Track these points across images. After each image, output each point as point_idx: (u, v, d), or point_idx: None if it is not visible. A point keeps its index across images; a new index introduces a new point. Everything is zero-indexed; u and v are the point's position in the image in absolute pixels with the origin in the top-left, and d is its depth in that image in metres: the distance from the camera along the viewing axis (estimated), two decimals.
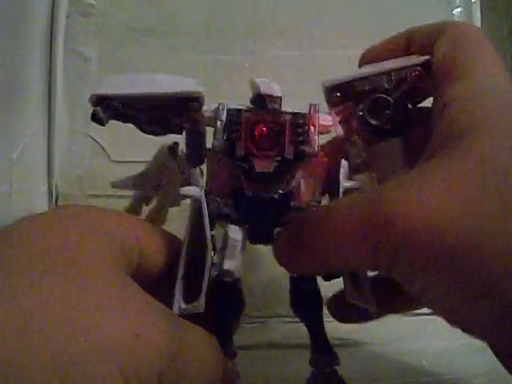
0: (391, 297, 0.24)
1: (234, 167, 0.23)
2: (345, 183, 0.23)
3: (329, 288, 0.25)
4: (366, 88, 0.23)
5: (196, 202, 0.22)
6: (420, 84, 0.22)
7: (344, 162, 0.23)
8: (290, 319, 0.37)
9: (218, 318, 0.23)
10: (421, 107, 0.24)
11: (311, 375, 0.24)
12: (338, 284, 0.23)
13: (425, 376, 0.27)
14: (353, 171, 0.23)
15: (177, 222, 0.27)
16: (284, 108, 0.23)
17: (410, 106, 0.23)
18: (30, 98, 0.37)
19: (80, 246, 0.18)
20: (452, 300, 0.18)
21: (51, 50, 0.39)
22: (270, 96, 0.22)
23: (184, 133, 0.23)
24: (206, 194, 0.23)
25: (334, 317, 0.26)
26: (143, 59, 0.40)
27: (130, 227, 0.22)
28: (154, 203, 0.29)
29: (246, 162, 0.22)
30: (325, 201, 0.25)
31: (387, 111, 0.23)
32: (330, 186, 0.24)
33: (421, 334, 0.35)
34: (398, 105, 0.23)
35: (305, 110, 0.23)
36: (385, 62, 0.24)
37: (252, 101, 0.23)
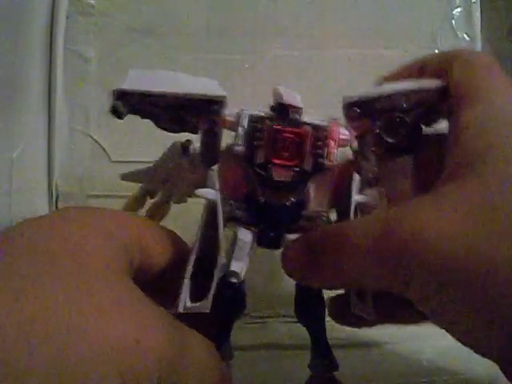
0: (391, 308, 0.24)
1: (251, 173, 0.23)
2: (356, 197, 0.23)
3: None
4: (385, 106, 0.23)
5: (211, 204, 0.22)
6: (436, 107, 0.23)
7: (356, 176, 0.24)
8: (290, 319, 0.37)
9: (219, 318, 0.23)
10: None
11: (309, 379, 0.25)
12: None
13: (425, 376, 0.27)
14: (364, 185, 0.24)
15: (177, 221, 0.27)
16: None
17: (423, 126, 0.24)
18: (30, 98, 0.37)
19: (82, 248, 0.18)
20: (465, 322, 0.18)
21: (51, 50, 0.39)
22: (292, 106, 0.23)
23: (200, 132, 0.23)
24: None
25: (333, 319, 0.26)
26: (143, 59, 0.40)
27: (132, 227, 0.22)
28: (157, 197, 0.29)
29: (265, 169, 0.22)
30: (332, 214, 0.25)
31: (403, 130, 0.23)
32: (339, 198, 0.24)
33: (421, 334, 0.35)
34: (414, 125, 0.23)
35: (325, 122, 0.23)
36: (403, 81, 0.24)
37: (273, 108, 0.23)
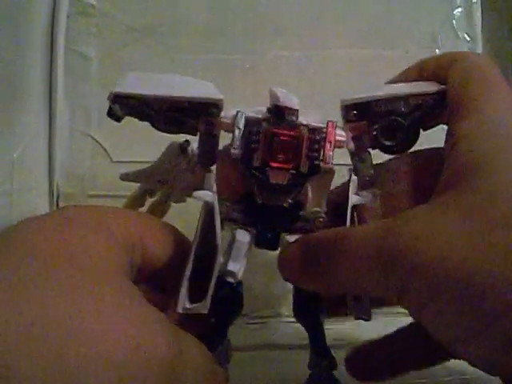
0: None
1: (248, 175, 0.23)
2: (352, 198, 0.23)
3: None
4: (383, 109, 0.23)
5: (208, 206, 0.23)
6: (434, 111, 0.23)
7: (354, 177, 0.24)
8: (290, 319, 0.37)
9: (215, 318, 0.23)
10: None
11: (308, 378, 0.25)
12: None
13: (425, 376, 0.27)
14: (360, 187, 0.24)
15: (177, 220, 0.27)
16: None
17: (421, 130, 0.24)
18: (31, 98, 0.38)
19: (82, 249, 0.18)
20: (457, 332, 0.18)
21: (52, 50, 0.39)
22: (288, 108, 0.23)
23: (198, 134, 0.24)
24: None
25: (353, 375, 0.26)
26: (143, 59, 0.40)
27: (133, 225, 0.22)
28: (157, 196, 0.29)
29: (261, 172, 0.23)
30: None
31: (400, 134, 0.23)
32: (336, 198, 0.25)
33: None
34: (411, 128, 0.24)
35: (321, 123, 0.23)
36: (402, 84, 0.24)
37: (269, 110, 0.23)
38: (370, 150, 0.24)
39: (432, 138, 0.24)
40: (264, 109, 0.23)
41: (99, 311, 0.17)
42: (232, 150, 0.23)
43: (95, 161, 0.39)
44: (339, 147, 0.24)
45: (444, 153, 0.21)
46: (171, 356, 0.18)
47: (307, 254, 0.22)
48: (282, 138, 0.22)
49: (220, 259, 0.23)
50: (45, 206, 0.39)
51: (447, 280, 0.17)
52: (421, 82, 0.24)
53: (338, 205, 0.24)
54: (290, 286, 0.24)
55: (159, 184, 0.28)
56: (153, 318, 0.18)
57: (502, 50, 0.42)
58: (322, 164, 0.23)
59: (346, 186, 0.24)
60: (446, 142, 0.22)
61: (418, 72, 0.25)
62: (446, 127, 0.22)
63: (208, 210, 0.23)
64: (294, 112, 0.23)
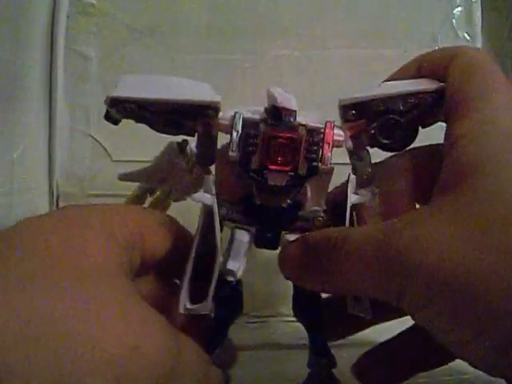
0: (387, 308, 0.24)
1: (246, 177, 0.23)
2: (351, 197, 0.23)
3: None
4: (381, 108, 0.23)
5: (207, 208, 0.23)
6: (433, 109, 0.23)
7: (352, 176, 0.24)
8: (290, 319, 0.37)
9: (215, 318, 0.23)
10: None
11: (308, 377, 0.25)
12: None
13: (425, 376, 0.27)
14: (358, 185, 0.24)
15: (178, 219, 0.27)
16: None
17: (420, 127, 0.24)
18: (31, 98, 0.38)
19: (82, 250, 0.18)
20: (457, 333, 0.18)
21: (52, 49, 0.39)
22: (286, 109, 0.23)
23: (196, 135, 0.24)
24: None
25: (359, 379, 0.26)
26: (143, 59, 0.40)
27: (133, 222, 0.22)
28: (157, 193, 0.29)
29: (260, 174, 0.23)
30: None
31: (399, 132, 0.23)
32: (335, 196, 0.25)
33: None
34: (410, 127, 0.24)
35: (320, 124, 0.23)
36: (401, 82, 0.24)
37: (267, 110, 0.23)
38: (368, 148, 0.24)
39: (430, 135, 0.24)
40: (261, 109, 0.23)
41: (97, 312, 0.17)
42: (230, 153, 0.23)
43: (95, 160, 0.40)
44: (338, 146, 0.23)
45: (443, 151, 0.21)
46: (169, 358, 0.18)
47: (307, 254, 0.22)
48: (279, 140, 0.22)
49: (220, 260, 0.23)
50: (45, 206, 0.39)
51: (446, 281, 0.17)
52: (419, 80, 0.24)
53: (337, 204, 0.24)
54: (289, 285, 0.24)
55: (159, 183, 0.28)
56: (151, 320, 0.18)
57: (501, 49, 0.42)
58: (320, 165, 0.23)
59: (344, 186, 0.24)
60: (444, 140, 0.22)
61: (417, 68, 0.25)
62: (444, 125, 0.22)
63: (207, 212, 0.23)
64: (292, 113, 0.23)
